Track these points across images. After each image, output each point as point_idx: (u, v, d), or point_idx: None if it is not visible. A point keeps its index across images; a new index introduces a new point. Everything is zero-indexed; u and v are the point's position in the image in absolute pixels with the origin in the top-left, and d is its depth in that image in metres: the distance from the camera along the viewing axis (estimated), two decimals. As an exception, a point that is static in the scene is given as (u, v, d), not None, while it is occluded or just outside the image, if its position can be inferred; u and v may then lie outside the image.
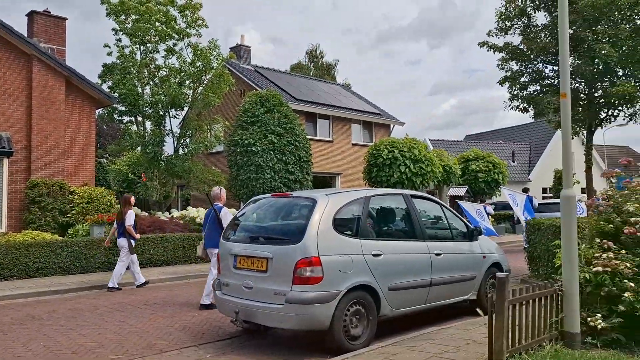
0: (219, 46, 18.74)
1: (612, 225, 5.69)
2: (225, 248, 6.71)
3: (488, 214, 18.09)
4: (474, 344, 5.58)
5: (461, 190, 24.41)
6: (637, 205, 5.63)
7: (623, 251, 5.38)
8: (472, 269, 7.69)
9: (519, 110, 12.52)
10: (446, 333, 6.24)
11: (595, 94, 11.24)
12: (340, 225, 6.15)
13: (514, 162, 38.44)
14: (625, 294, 5.07)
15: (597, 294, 5.41)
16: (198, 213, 17.98)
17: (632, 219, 5.53)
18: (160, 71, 19.08)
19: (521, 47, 11.99)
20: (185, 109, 19.84)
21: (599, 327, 5.12)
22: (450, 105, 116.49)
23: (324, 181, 25.90)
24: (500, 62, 12.85)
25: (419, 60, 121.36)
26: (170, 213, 18.37)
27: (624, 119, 11.60)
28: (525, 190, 23.38)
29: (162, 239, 14.19)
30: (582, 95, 11.50)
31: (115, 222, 11.46)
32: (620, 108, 11.31)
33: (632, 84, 10.31)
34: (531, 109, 12.36)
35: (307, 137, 19.09)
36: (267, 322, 5.95)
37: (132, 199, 11.35)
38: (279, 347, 6.35)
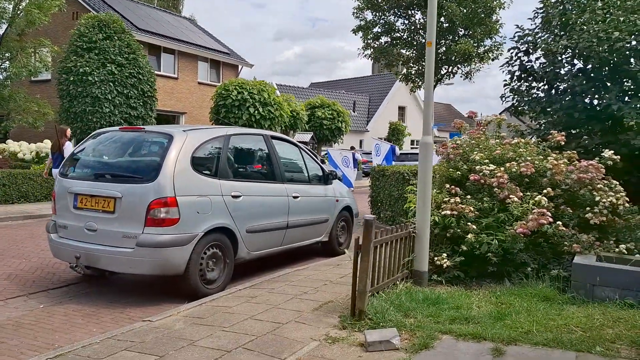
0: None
1: (459, 173, 6.10)
2: (63, 186, 5.92)
3: (356, 160, 18.79)
4: (331, 284, 5.68)
5: (306, 137, 24.88)
6: (481, 155, 6.08)
7: (468, 196, 5.80)
8: (326, 212, 7.82)
9: (371, 59, 12.89)
10: (302, 275, 6.28)
11: (439, 51, 12.01)
12: (199, 164, 5.75)
13: (354, 112, 40.17)
14: (469, 235, 5.49)
15: (443, 235, 5.80)
16: (20, 148, 15.88)
17: (477, 167, 5.97)
18: (-31, -22, 16.06)
19: (377, -4, 12.34)
20: (4, 26, 17.07)
21: (445, 265, 5.51)
22: (293, 52, 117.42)
23: (167, 120, 24.52)
24: (355, 11, 13.06)
25: (264, 3, 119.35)
26: (-16, 147, 15.97)
27: (461, 77, 12.57)
28: (390, 140, 24.80)
29: (-25, 175, 12.28)
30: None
31: (50, 154, 10.88)
32: (459, 66, 12.21)
33: (472, 43, 11.16)
34: (382, 60, 12.79)
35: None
36: (115, 267, 5.43)
37: (69, 131, 10.79)
38: (127, 293, 5.86)
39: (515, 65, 8.92)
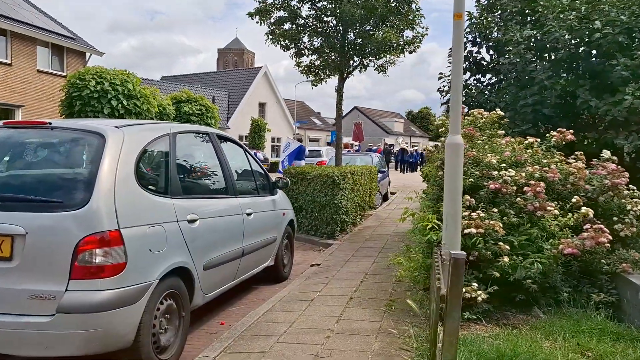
0: None
1: (471, 180, 4.97)
2: None
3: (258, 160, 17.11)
4: (337, 337, 4.17)
5: (173, 134, 22.47)
6: (498, 158, 5.02)
7: (494, 209, 4.70)
8: (275, 230, 6.26)
9: (281, 48, 11.39)
10: (279, 320, 4.67)
11: (350, 40, 10.94)
12: (144, 177, 3.88)
13: (214, 108, 37.92)
14: (505, 258, 4.39)
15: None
16: None
17: (495, 173, 4.90)
18: None
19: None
20: None
21: (479, 298, 4.35)
22: (130, 45, 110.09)
23: (-2, 114, 20.35)
24: (255, -9, 11.43)
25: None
26: None
27: (374, 69, 11.64)
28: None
29: None
30: (336, 41, 11.03)
31: None
32: (371, 58, 11.31)
33: (394, 33, 10.27)
34: (292, 48, 11.37)
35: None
36: (18, 349, 3.33)
37: None
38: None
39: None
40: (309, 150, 24.04)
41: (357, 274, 6.36)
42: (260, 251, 5.79)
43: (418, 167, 40.81)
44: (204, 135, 5.11)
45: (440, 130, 6.29)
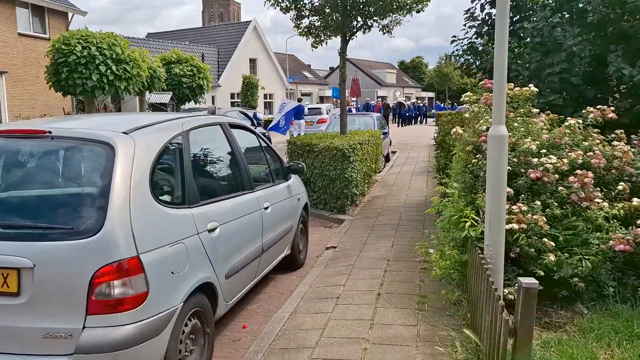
0: None
1: (509, 167, 4.59)
2: None
3: (258, 119, 16.73)
4: (375, 349, 3.89)
5: (165, 97, 21.81)
6: (538, 142, 4.62)
7: (537, 202, 4.34)
8: (291, 218, 5.90)
9: (281, 10, 10.69)
10: (307, 327, 4.37)
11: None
12: (160, 188, 3.47)
13: (204, 65, 36.78)
14: (551, 257, 4.07)
15: (505, 257, 4.32)
16: None
17: (535, 160, 4.52)
18: None
19: None
20: None
21: (524, 301, 4.04)
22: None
23: (-19, 82, 19.50)
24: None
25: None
26: None
27: (379, 30, 11.02)
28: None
29: None
30: (337, 0, 10.38)
31: None
32: (375, 18, 10.69)
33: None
34: (293, 9, 10.67)
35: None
36: (32, 395, 3.00)
37: None
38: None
39: (479, 18, 7.60)
40: (308, 109, 23.36)
41: (379, 261, 6.06)
42: (278, 243, 5.45)
43: (413, 120, 40.43)
44: (215, 127, 4.62)
45: (465, 101, 5.90)
